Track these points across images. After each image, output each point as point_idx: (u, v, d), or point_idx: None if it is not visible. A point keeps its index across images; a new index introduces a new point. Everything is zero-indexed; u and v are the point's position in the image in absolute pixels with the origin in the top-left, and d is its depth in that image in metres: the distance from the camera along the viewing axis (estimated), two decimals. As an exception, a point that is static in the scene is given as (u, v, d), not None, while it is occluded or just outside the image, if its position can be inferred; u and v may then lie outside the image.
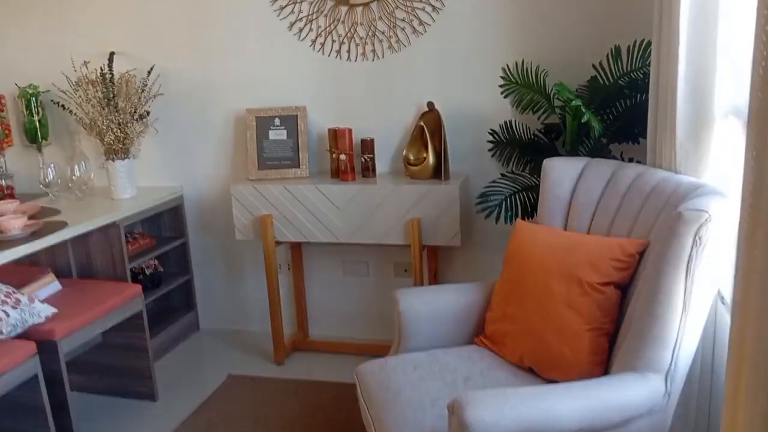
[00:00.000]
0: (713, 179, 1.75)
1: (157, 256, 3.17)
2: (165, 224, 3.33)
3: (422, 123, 2.82)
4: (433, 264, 3.00)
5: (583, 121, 2.12)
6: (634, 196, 1.87)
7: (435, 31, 2.84)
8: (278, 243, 2.97)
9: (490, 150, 2.81)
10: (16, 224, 2.48)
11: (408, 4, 2.83)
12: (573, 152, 2.40)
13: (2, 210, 2.66)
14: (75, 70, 3.05)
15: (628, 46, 2.42)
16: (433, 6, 2.81)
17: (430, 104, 2.84)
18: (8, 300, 2.30)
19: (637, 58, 2.39)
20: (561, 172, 2.08)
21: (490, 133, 2.77)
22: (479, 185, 2.84)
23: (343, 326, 3.26)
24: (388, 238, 2.80)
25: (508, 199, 2.49)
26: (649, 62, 2.33)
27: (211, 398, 2.79)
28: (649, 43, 2.36)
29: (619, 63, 2.43)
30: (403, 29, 2.87)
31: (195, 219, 3.36)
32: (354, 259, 3.19)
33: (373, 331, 3.21)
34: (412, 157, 2.86)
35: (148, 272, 3.15)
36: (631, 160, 2.36)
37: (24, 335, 2.30)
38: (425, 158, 2.80)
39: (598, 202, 1.99)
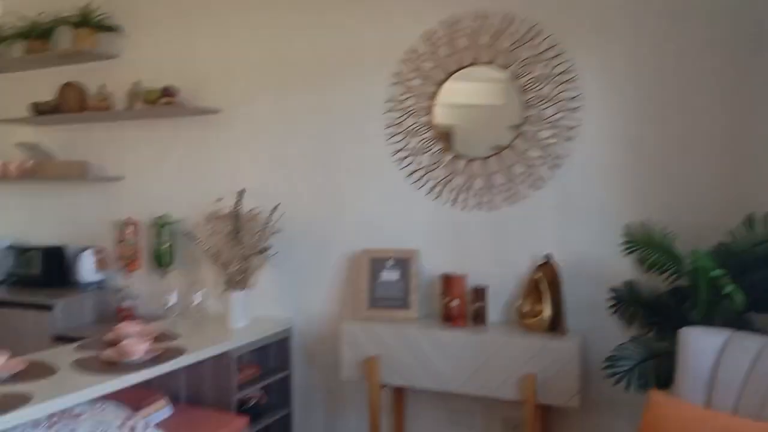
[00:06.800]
0: None
1: (261, 387, 3.18)
2: (271, 354, 3.36)
3: (539, 275, 2.79)
4: (543, 423, 2.84)
5: (725, 292, 2.03)
6: (789, 379, 1.74)
7: (554, 186, 2.87)
8: (383, 386, 2.92)
9: (611, 307, 2.72)
10: (140, 349, 2.57)
11: (527, 160, 2.91)
12: (706, 320, 2.28)
13: (128, 332, 2.78)
14: (209, 205, 3.28)
15: (766, 214, 2.35)
16: (553, 163, 2.87)
17: (548, 256, 2.82)
18: (125, 427, 2.35)
19: (774, 228, 2.31)
20: (701, 345, 1.97)
21: (612, 290, 2.70)
22: (596, 342, 2.73)
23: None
24: (500, 392, 2.68)
25: (639, 366, 2.36)
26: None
27: None
28: (787, 213, 2.29)
29: (754, 232, 2.35)
30: (521, 183, 2.93)
31: (301, 352, 3.39)
32: (460, 409, 3.07)
33: (474, 490, 3.02)
34: (527, 310, 2.80)
35: (251, 403, 3.15)
36: (774, 334, 2.22)
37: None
38: (541, 311, 2.74)
39: (745, 381, 1.85)
